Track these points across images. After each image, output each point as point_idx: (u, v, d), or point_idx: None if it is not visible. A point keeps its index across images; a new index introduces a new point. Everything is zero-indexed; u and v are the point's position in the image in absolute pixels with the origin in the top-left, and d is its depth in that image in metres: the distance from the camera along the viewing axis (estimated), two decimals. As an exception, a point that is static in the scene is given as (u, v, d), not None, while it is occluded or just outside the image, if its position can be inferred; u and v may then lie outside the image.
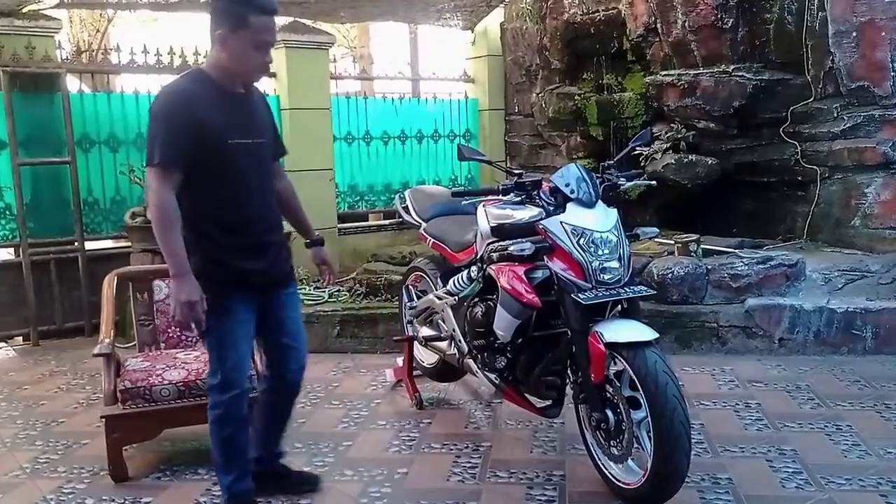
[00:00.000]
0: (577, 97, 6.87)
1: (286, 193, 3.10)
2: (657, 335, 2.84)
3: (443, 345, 3.99)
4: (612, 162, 3.40)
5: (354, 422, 3.98)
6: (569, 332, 3.03)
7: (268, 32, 2.65)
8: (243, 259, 2.72)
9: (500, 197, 3.28)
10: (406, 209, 4.37)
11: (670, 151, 6.26)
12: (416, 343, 4.35)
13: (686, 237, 5.37)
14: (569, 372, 3.18)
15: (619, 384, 2.89)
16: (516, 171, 3.37)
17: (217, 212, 2.69)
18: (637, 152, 5.98)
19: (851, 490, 3.01)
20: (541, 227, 3.06)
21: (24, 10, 5.90)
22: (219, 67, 2.67)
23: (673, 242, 5.34)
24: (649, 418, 2.74)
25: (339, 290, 6.05)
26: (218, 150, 2.63)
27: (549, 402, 3.33)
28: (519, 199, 3.19)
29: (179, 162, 2.57)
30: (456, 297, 3.75)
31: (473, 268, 3.60)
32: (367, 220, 8.02)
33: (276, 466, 3.17)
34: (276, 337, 2.96)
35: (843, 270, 5.14)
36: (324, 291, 5.98)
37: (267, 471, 3.12)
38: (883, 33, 5.30)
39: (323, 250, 3.32)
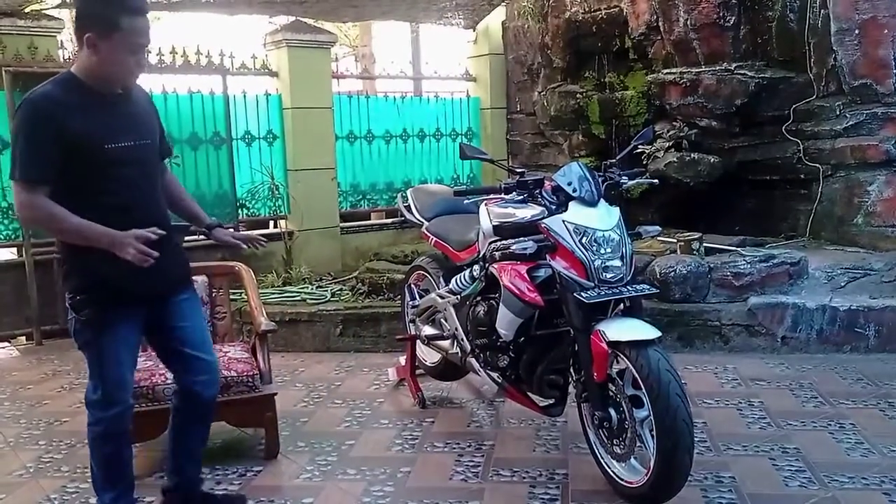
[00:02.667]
0: (578, 95, 6.86)
1: (172, 189, 2.90)
2: (660, 334, 2.83)
3: (445, 344, 3.99)
4: (614, 160, 3.39)
5: (357, 421, 3.98)
6: (571, 331, 3.03)
7: (141, 35, 2.48)
8: (127, 272, 2.44)
9: (503, 196, 3.28)
10: (408, 208, 4.37)
11: (672, 150, 6.25)
12: (418, 342, 4.35)
13: (688, 235, 5.37)
14: (571, 371, 3.17)
15: (621, 383, 2.89)
16: (518, 170, 3.36)
17: (100, 222, 2.45)
18: (639, 150, 5.97)
19: (854, 488, 3.01)
20: (543, 225, 3.06)
21: (27, 10, 5.92)
22: (89, 71, 2.48)
23: (675, 241, 5.34)
24: (652, 417, 2.73)
25: (341, 289, 6.06)
26: (93, 156, 2.46)
27: (551, 401, 3.34)
28: (521, 197, 3.19)
29: (45, 176, 2.41)
30: (458, 296, 3.75)
31: (476, 266, 3.60)
32: (370, 219, 8.04)
33: (194, 493, 2.98)
34: (174, 346, 2.77)
35: (846, 268, 5.13)
36: (326, 290, 5.99)
37: (185, 497, 2.95)
38: (885, 31, 5.30)
39: (221, 230, 2.94)
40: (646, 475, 2.81)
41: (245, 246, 2.98)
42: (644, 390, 2.75)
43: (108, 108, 2.52)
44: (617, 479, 2.97)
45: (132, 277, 2.48)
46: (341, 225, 7.44)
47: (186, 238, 5.97)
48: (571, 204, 3.01)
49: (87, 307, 2.54)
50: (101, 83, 2.51)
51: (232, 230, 3.10)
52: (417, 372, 4.40)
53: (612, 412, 2.92)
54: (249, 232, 3.14)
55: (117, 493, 2.71)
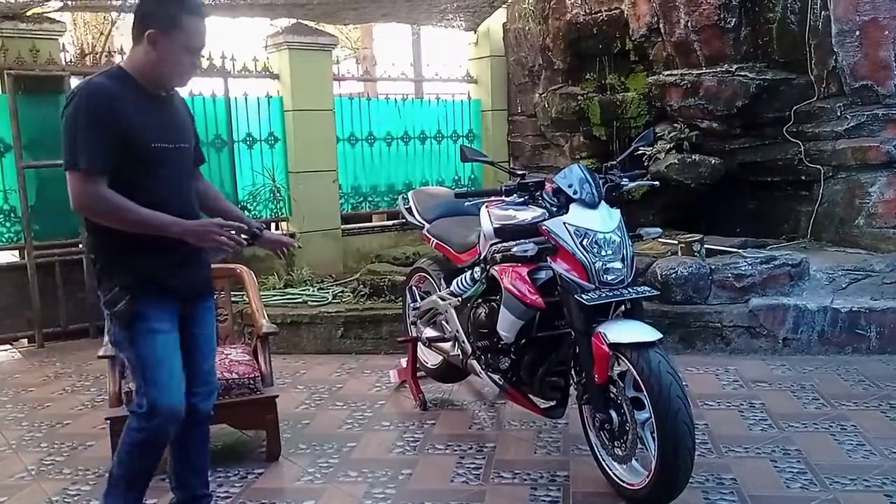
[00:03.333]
0: (579, 97, 6.87)
1: (210, 193, 2.91)
2: (661, 335, 2.84)
3: (446, 346, 3.99)
4: (615, 162, 3.40)
5: (358, 423, 3.99)
6: (572, 333, 3.03)
7: (199, 36, 2.51)
8: (164, 266, 2.51)
9: (503, 198, 3.28)
10: (409, 210, 4.37)
11: (673, 151, 6.26)
12: (419, 344, 4.35)
13: (689, 237, 5.37)
14: (572, 373, 3.18)
15: (622, 385, 2.89)
16: (519, 172, 3.37)
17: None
18: (640, 152, 5.98)
19: (856, 490, 3.00)
20: (544, 228, 3.06)
21: (29, 14, 5.93)
22: (144, 68, 2.48)
23: (676, 242, 5.34)
24: (653, 419, 2.73)
25: (342, 291, 6.06)
26: (140, 153, 2.46)
27: (552, 403, 3.34)
28: (522, 200, 3.19)
29: (107, 166, 2.39)
30: (459, 298, 3.75)
31: (477, 269, 3.60)
32: (371, 221, 8.04)
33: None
34: (185, 355, 2.65)
35: (847, 270, 5.13)
36: (327, 292, 6.00)
37: None
38: (886, 32, 5.30)
39: (272, 235, 3.01)
40: (647, 477, 2.81)
41: (294, 245, 3.01)
42: (645, 392, 2.75)
43: (154, 108, 2.53)
44: (618, 480, 2.97)
45: (173, 274, 2.53)
46: (342, 227, 7.45)
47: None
48: (572, 206, 3.02)
49: (125, 299, 2.47)
50: (153, 82, 2.52)
51: (275, 237, 3.06)
52: (419, 374, 4.40)
53: (614, 414, 2.92)
54: (280, 237, 3.06)
55: (134, 498, 2.62)
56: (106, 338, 3.50)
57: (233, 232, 2.50)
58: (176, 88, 2.67)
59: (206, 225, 2.48)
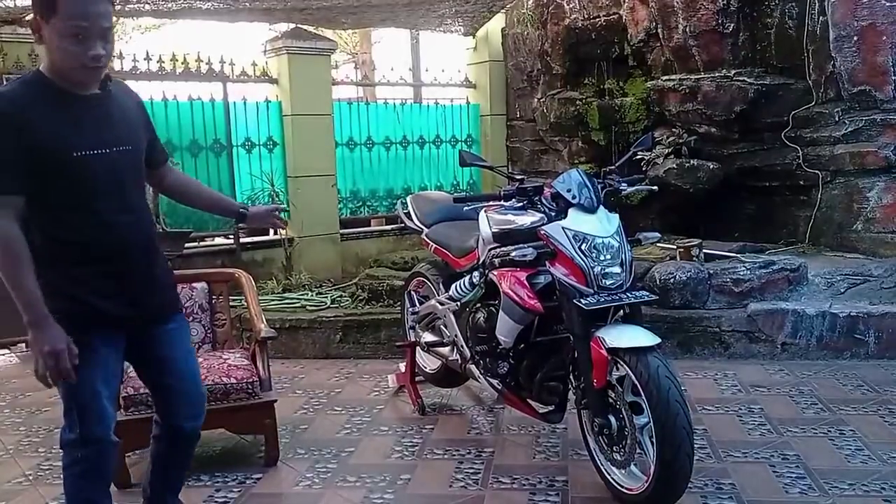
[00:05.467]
0: (578, 102, 6.87)
1: (189, 187, 2.73)
2: (659, 340, 2.84)
3: (445, 350, 3.99)
4: (613, 167, 3.40)
5: (357, 428, 3.98)
6: (571, 338, 3.03)
7: (83, 17, 2.11)
8: (103, 293, 2.27)
9: (502, 203, 3.28)
10: (408, 215, 4.38)
11: (672, 156, 6.26)
12: (418, 348, 4.35)
13: (688, 242, 5.37)
14: (571, 377, 3.18)
15: (621, 389, 2.89)
16: (518, 177, 3.37)
17: (67, 238, 2.23)
18: (639, 157, 5.99)
19: (855, 495, 3.00)
20: (542, 232, 3.06)
21: (28, 18, 5.92)
22: (50, 66, 2.19)
23: (675, 247, 5.34)
24: (652, 423, 2.73)
25: (341, 296, 6.06)
26: (61, 165, 2.16)
27: (551, 408, 3.34)
28: (521, 204, 3.20)
29: (16, 184, 2.12)
30: (458, 303, 3.75)
31: (475, 273, 3.60)
32: (370, 226, 8.04)
33: None
34: (159, 379, 2.52)
35: (846, 275, 5.13)
36: (326, 297, 5.99)
37: None
38: (884, 37, 5.31)
39: (257, 208, 2.81)
40: (646, 482, 2.81)
41: (280, 220, 2.84)
42: (644, 397, 2.75)
43: (79, 110, 2.22)
44: (617, 485, 2.97)
45: (109, 298, 2.28)
46: (341, 231, 7.45)
47: (186, 245, 6.04)
48: (571, 211, 3.02)
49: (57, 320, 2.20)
50: (66, 79, 2.19)
51: (261, 208, 2.88)
52: (417, 378, 4.39)
53: (612, 419, 2.92)
54: (273, 206, 2.95)
55: None
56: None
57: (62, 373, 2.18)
58: (116, 84, 2.40)
59: (55, 341, 2.16)
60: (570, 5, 7.00)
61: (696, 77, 6.07)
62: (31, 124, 2.12)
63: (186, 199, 2.73)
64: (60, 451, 2.42)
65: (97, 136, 2.24)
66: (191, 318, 3.73)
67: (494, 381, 3.49)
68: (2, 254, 2.13)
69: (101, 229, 2.26)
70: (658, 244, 5.22)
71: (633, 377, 2.78)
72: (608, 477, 3.01)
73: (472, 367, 3.65)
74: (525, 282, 3.11)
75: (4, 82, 5.63)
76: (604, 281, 2.92)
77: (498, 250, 3.33)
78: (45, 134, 2.14)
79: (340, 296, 6.09)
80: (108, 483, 2.46)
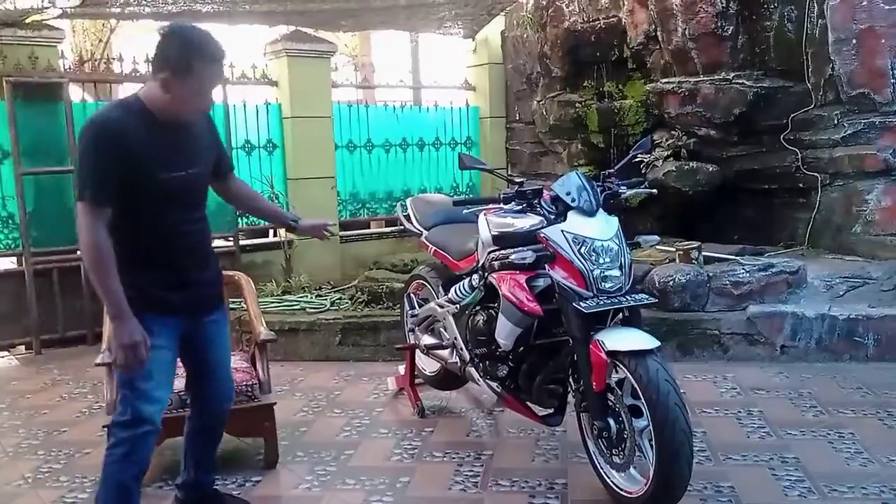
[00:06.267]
0: (577, 105, 6.88)
1: (246, 193, 3.07)
2: (659, 343, 2.84)
3: (444, 353, 3.99)
4: (612, 170, 3.40)
5: (356, 430, 3.98)
6: (570, 341, 3.04)
7: (214, 78, 2.57)
8: (168, 287, 2.60)
9: (502, 206, 3.29)
10: (408, 217, 4.38)
11: (671, 159, 6.27)
12: (417, 351, 4.35)
13: (687, 244, 5.37)
14: (570, 380, 3.18)
15: (620, 392, 2.89)
16: (517, 180, 3.37)
17: (141, 244, 2.57)
18: (638, 160, 5.98)
19: (854, 498, 3.01)
20: (542, 235, 3.07)
21: (28, 21, 5.93)
22: (156, 103, 2.53)
23: (674, 250, 5.34)
24: (651, 427, 2.74)
25: (340, 298, 6.06)
26: (147, 184, 2.51)
27: (550, 411, 3.34)
28: (520, 207, 3.20)
29: (111, 198, 2.45)
30: (457, 306, 3.75)
31: (475, 276, 3.60)
32: (369, 228, 8.04)
33: (206, 490, 3.07)
34: (199, 363, 2.84)
35: (845, 277, 5.14)
36: (325, 299, 5.99)
37: (197, 495, 3.04)
38: (883, 40, 5.32)
39: (306, 221, 3.18)
40: (645, 485, 2.81)
41: (328, 234, 3.21)
42: (643, 400, 2.75)
43: (167, 138, 2.55)
44: (616, 488, 2.97)
45: (172, 291, 2.60)
46: (341, 233, 7.44)
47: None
48: (570, 214, 3.02)
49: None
50: (165, 115, 2.55)
51: (312, 221, 3.20)
52: (417, 381, 4.40)
53: (612, 422, 2.92)
54: (316, 222, 3.23)
55: None
56: (104, 345, 3.52)
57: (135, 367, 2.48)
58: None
59: (134, 336, 2.44)
60: (570, 8, 7.00)
61: (696, 80, 6.08)
62: (130, 149, 2.44)
63: (244, 206, 3.10)
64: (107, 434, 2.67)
65: (180, 160, 2.59)
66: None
67: (494, 384, 3.49)
68: (95, 257, 2.43)
69: (171, 237, 2.60)
70: (657, 247, 5.22)
71: (633, 380, 2.78)
72: (607, 480, 3.02)
73: (472, 370, 3.65)
74: (524, 285, 3.11)
75: (4, 85, 5.66)
76: (603, 284, 2.92)
77: (497, 253, 3.33)
78: (140, 158, 2.46)
79: (340, 298, 6.09)
80: (143, 472, 2.62)
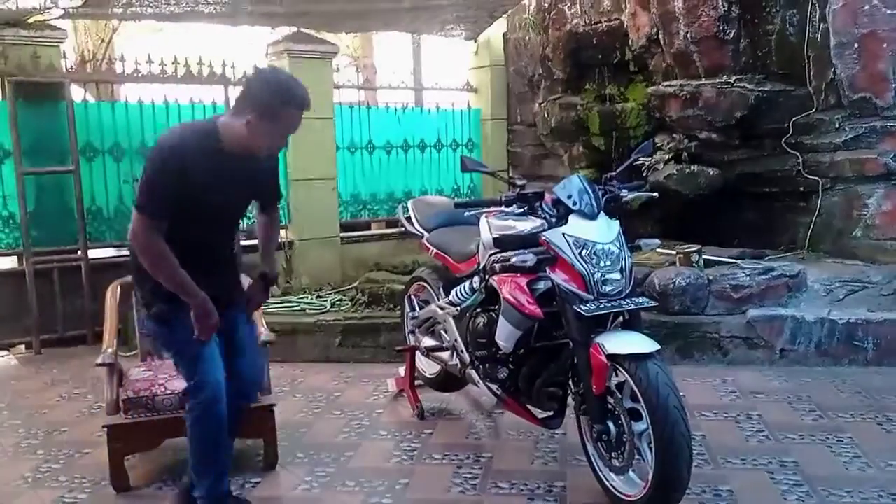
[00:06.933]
0: (579, 107, 6.88)
1: (267, 231, 3.23)
2: (658, 347, 2.84)
3: (445, 355, 3.99)
4: (614, 173, 3.41)
5: (356, 432, 3.98)
6: (570, 344, 3.04)
7: (296, 126, 2.71)
8: (201, 284, 2.76)
9: (503, 208, 3.29)
10: (409, 219, 4.38)
11: (672, 162, 6.27)
12: (417, 353, 4.36)
13: (688, 248, 5.37)
14: (570, 383, 3.18)
15: (620, 396, 2.89)
16: (518, 182, 3.38)
17: (175, 248, 2.69)
18: (639, 162, 5.99)
19: (852, 502, 3.01)
20: (543, 238, 3.07)
21: (30, 21, 5.94)
22: (234, 136, 2.68)
23: (675, 253, 5.34)
24: (650, 430, 2.74)
25: (341, 300, 6.06)
26: (199, 208, 2.70)
27: (550, 413, 3.34)
28: (521, 210, 3.20)
29: (168, 214, 2.64)
30: (458, 308, 3.75)
31: (476, 278, 3.61)
32: (370, 229, 8.04)
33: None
34: (226, 344, 2.97)
35: (845, 281, 5.14)
36: (326, 301, 6.00)
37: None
38: (885, 45, 5.32)
39: (261, 289, 3.19)
40: (644, 488, 2.81)
41: (250, 309, 3.20)
42: (643, 403, 2.76)
43: (230, 167, 2.71)
44: (615, 491, 2.97)
45: (206, 287, 2.76)
46: (341, 235, 7.44)
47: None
48: (571, 217, 3.02)
49: (159, 302, 2.79)
50: (237, 146, 2.69)
51: (258, 298, 3.23)
52: (417, 383, 4.40)
53: (611, 425, 2.92)
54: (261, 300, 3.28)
55: (212, 480, 2.85)
56: (104, 345, 3.53)
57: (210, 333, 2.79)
58: None
59: (210, 316, 2.75)
60: (572, 10, 7.01)
61: (697, 83, 6.08)
62: (192, 175, 2.62)
63: (259, 232, 3.26)
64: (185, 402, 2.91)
65: (233, 188, 2.78)
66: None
67: (494, 387, 3.49)
68: (157, 261, 2.67)
69: (203, 249, 2.81)
70: (658, 250, 5.21)
71: (633, 383, 2.79)
72: (606, 483, 3.02)
73: (472, 372, 3.66)
74: (525, 287, 3.12)
75: (6, 85, 5.67)
76: (604, 287, 2.93)
77: (498, 255, 3.33)
78: (199, 184, 2.64)
79: (340, 299, 6.09)
80: (222, 420, 2.82)
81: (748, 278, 5.02)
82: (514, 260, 3.11)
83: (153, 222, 2.64)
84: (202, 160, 2.64)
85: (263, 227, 3.23)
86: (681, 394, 2.80)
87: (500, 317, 3.23)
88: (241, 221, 3.08)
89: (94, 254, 6.24)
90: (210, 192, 2.68)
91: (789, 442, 3.62)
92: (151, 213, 2.64)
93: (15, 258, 6.09)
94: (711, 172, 6.12)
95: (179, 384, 3.37)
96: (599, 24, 6.84)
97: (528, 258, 3.05)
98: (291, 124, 2.69)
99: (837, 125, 5.66)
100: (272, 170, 3.06)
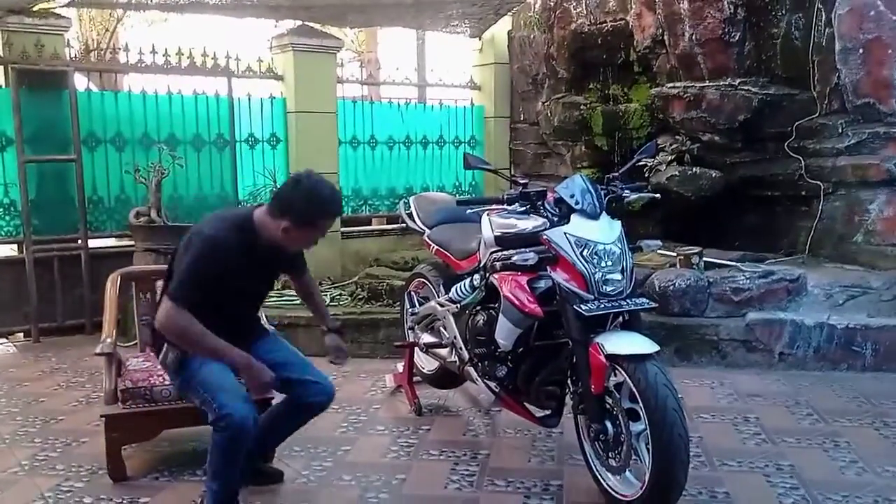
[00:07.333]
0: (582, 107, 6.88)
1: (309, 288, 3.38)
2: (658, 348, 2.84)
3: (443, 352, 3.99)
4: (616, 174, 3.41)
5: (353, 427, 3.99)
6: (570, 343, 3.04)
7: (327, 229, 2.88)
8: (211, 326, 2.81)
9: (505, 206, 3.29)
10: (410, 215, 4.38)
11: (675, 163, 6.26)
12: (416, 349, 4.36)
13: (688, 250, 5.37)
14: (569, 382, 3.18)
15: (618, 396, 2.89)
16: (521, 181, 3.38)
17: (205, 318, 2.76)
18: (641, 164, 5.99)
19: (848, 507, 3.02)
20: (544, 237, 3.07)
21: (35, 9, 5.93)
22: (268, 234, 2.80)
23: (675, 255, 5.35)
24: (648, 431, 2.74)
25: (340, 295, 6.06)
26: (230, 292, 2.82)
27: (548, 412, 3.34)
28: (523, 208, 3.20)
29: (200, 299, 2.72)
30: (458, 305, 3.75)
31: (476, 276, 3.60)
32: (371, 225, 8.04)
33: (256, 462, 3.22)
34: (283, 377, 2.97)
35: (845, 286, 5.14)
36: (325, 295, 6.00)
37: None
38: (889, 51, 5.31)
39: (337, 337, 3.36)
40: (640, 488, 2.81)
41: (339, 361, 3.36)
42: (641, 404, 2.76)
43: (262, 257, 2.86)
44: (612, 491, 2.98)
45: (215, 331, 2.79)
46: (342, 230, 7.45)
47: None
48: (574, 216, 3.02)
49: (170, 352, 2.86)
50: (269, 241, 2.83)
51: (343, 348, 3.39)
52: (415, 379, 4.40)
53: (609, 425, 2.92)
54: (341, 344, 3.42)
55: (224, 482, 2.84)
56: (103, 335, 3.53)
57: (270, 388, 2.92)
58: None
59: (262, 373, 2.80)
60: (577, 10, 7.00)
61: (701, 85, 6.07)
62: (227, 265, 2.75)
63: (301, 295, 3.46)
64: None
65: (264, 274, 2.99)
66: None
67: (492, 384, 3.49)
68: (192, 339, 2.75)
69: (228, 321, 2.86)
70: (659, 251, 5.21)
71: (631, 384, 2.79)
72: (603, 482, 3.02)
73: (470, 370, 3.66)
74: (526, 286, 3.12)
75: (10, 72, 5.66)
76: (604, 287, 2.93)
77: (499, 254, 3.33)
78: (233, 274, 2.77)
79: (340, 294, 6.10)
80: (244, 448, 2.79)
81: (748, 281, 5.02)
82: (515, 258, 3.12)
83: (183, 308, 2.71)
84: (239, 252, 2.77)
85: (303, 291, 3.40)
86: (679, 395, 2.80)
87: (500, 315, 3.23)
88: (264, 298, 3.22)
89: (94, 243, 6.25)
90: (244, 279, 2.84)
91: (786, 445, 3.63)
92: (184, 301, 2.71)
93: (15, 246, 6.10)
94: (714, 175, 6.11)
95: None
96: (605, 24, 6.83)
97: (529, 257, 3.05)
98: (324, 229, 2.87)
99: (840, 130, 5.66)
100: (299, 252, 3.16)
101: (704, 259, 5.31)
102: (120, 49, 6.67)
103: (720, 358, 4.92)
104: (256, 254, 2.83)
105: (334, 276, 6.84)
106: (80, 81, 6.41)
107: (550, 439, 3.71)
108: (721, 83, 5.98)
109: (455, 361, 3.84)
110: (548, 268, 3.06)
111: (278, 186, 2.87)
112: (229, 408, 2.69)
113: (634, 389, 2.78)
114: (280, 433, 3.23)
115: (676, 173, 6.11)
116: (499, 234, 3.35)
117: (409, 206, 4.42)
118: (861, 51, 5.39)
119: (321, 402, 3.09)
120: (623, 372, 2.82)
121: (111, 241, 6.59)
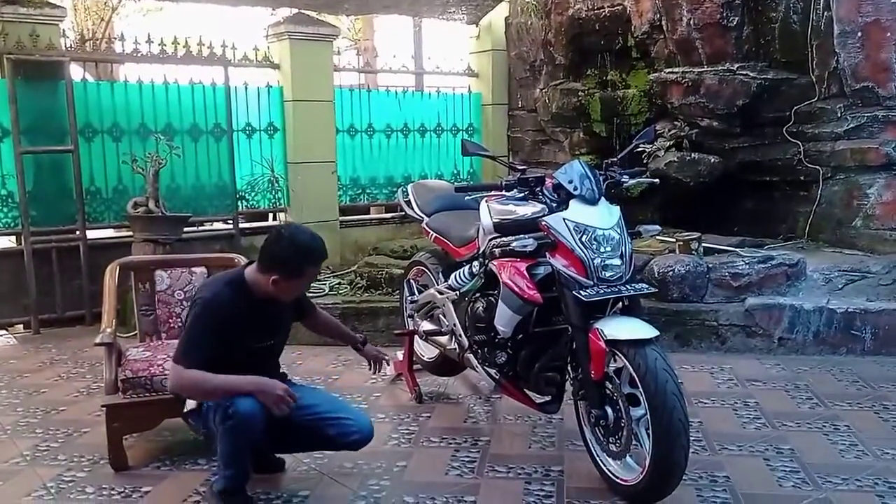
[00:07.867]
0: (580, 93, 6.86)
1: (326, 323, 3.48)
2: (657, 333, 2.84)
3: (443, 339, 4.00)
4: (615, 159, 3.40)
5: (354, 414, 3.99)
6: (569, 329, 3.04)
7: (315, 276, 2.98)
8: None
9: (504, 192, 3.28)
10: (409, 203, 4.37)
11: (673, 149, 6.26)
12: (416, 337, 4.36)
13: (687, 235, 5.38)
14: (569, 368, 3.19)
15: (618, 381, 2.90)
16: (519, 167, 3.37)
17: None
18: (640, 149, 5.98)
19: (848, 490, 3.02)
20: (543, 223, 3.06)
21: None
22: (259, 288, 2.87)
23: (674, 240, 5.35)
24: (648, 416, 2.74)
25: (339, 283, 6.06)
26: (235, 352, 2.84)
27: (548, 398, 3.35)
28: (522, 195, 3.19)
29: (203, 360, 2.76)
30: (457, 292, 3.75)
31: (475, 263, 3.60)
32: (369, 213, 8.03)
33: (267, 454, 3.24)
34: (311, 421, 2.96)
35: (844, 271, 5.14)
36: (324, 284, 6.00)
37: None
38: (888, 34, 5.30)
39: (372, 347, 3.54)
40: (641, 473, 2.82)
41: (378, 367, 3.52)
42: (641, 389, 2.76)
43: (262, 311, 2.92)
44: (612, 476, 2.98)
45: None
46: (341, 219, 7.44)
47: (185, 229, 6.05)
48: (572, 202, 3.02)
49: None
50: (263, 294, 2.89)
51: (379, 355, 3.53)
52: (415, 367, 4.40)
53: (609, 410, 2.93)
54: (380, 351, 3.58)
55: (233, 472, 2.86)
56: (103, 325, 3.53)
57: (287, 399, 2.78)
58: None
59: (275, 385, 2.77)
60: (575, -5, 6.97)
61: (699, 70, 6.06)
62: (230, 324, 2.82)
63: (324, 332, 3.56)
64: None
65: (268, 329, 2.99)
66: (188, 303, 3.75)
67: (492, 371, 3.50)
68: (201, 389, 2.79)
69: (244, 371, 2.83)
70: (658, 237, 5.23)
71: (631, 369, 2.79)
72: (603, 467, 3.03)
73: (470, 357, 3.66)
74: (525, 272, 3.12)
75: (5, 63, 5.64)
76: (604, 273, 2.92)
77: (498, 240, 3.33)
78: (237, 330, 2.84)
79: (339, 283, 6.10)
80: (251, 440, 2.81)
81: (747, 266, 5.02)
82: (514, 245, 3.11)
83: (188, 367, 2.76)
84: (239, 310, 2.84)
85: (320, 328, 3.49)
86: (679, 380, 2.81)
87: (500, 301, 3.23)
88: (280, 353, 3.21)
89: (92, 234, 6.24)
90: (250, 337, 2.89)
91: (786, 429, 3.64)
92: (189, 364, 2.76)
93: (13, 238, 6.09)
94: (712, 160, 6.11)
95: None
96: (602, 10, 6.80)
97: (528, 243, 3.05)
98: (313, 277, 2.98)
99: (839, 114, 5.65)
100: (298, 299, 3.18)
101: (703, 244, 5.31)
102: (115, 39, 6.63)
103: (720, 343, 4.93)
104: (257, 309, 2.89)
105: (333, 266, 6.83)
106: (76, 72, 6.38)
107: (551, 425, 3.71)
108: (719, 68, 5.96)
109: (455, 349, 3.84)
110: (547, 254, 3.05)
111: (264, 241, 2.89)
112: (237, 403, 2.72)
113: (634, 374, 2.78)
114: (300, 446, 3.21)
115: (675, 159, 6.10)
116: (497, 220, 3.35)
117: (408, 194, 4.41)
118: (859, 34, 5.37)
119: (355, 440, 3.01)
120: (623, 357, 2.82)
121: (109, 232, 6.58)
